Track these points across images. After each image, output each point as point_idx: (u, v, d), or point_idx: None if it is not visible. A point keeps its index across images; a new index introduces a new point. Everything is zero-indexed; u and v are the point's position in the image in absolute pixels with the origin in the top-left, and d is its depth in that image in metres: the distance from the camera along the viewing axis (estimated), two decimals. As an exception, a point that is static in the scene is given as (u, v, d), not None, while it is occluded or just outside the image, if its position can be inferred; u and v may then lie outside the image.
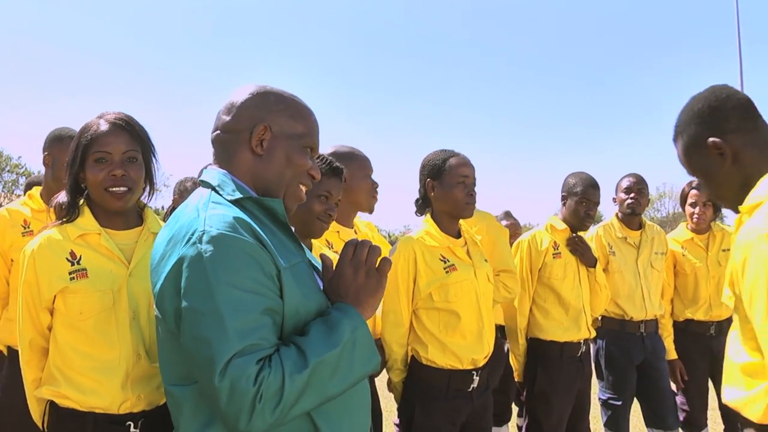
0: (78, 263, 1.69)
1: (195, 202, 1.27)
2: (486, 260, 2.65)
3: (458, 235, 2.59)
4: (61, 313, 1.69)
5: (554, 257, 3.11)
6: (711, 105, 1.52)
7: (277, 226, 1.32)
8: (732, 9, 20.28)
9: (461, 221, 2.63)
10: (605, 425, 3.44)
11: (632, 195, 3.59)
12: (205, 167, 1.48)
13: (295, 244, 1.35)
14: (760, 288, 1.28)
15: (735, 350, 1.45)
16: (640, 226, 3.68)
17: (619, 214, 3.67)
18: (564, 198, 3.24)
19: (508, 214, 4.73)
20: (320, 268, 1.42)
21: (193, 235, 1.16)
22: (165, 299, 1.18)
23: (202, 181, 1.36)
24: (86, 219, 1.75)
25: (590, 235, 3.63)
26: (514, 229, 4.54)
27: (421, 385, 2.45)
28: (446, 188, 2.51)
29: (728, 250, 3.41)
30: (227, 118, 1.35)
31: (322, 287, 1.35)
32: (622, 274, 3.50)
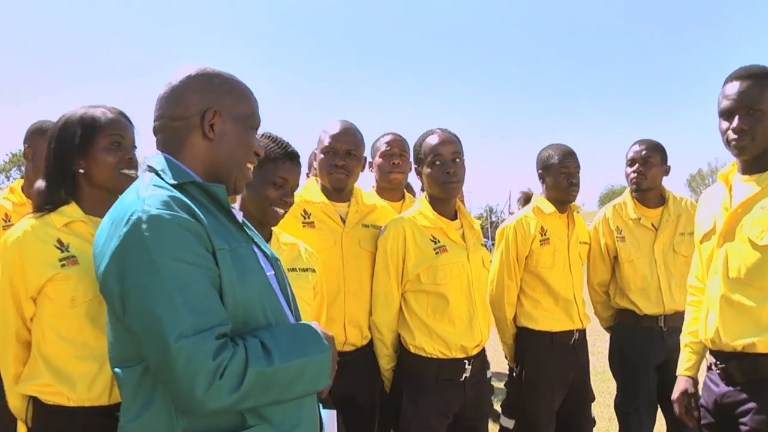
0: (67, 250, 1.70)
1: (137, 186, 1.28)
2: (483, 245, 2.51)
3: (454, 217, 2.47)
4: (51, 301, 1.68)
5: (542, 244, 2.84)
6: None
7: (220, 212, 1.33)
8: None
9: (459, 203, 2.51)
10: None
11: (636, 167, 3.07)
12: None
13: (238, 230, 1.36)
14: None
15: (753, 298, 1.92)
16: (663, 201, 3.13)
17: (632, 192, 3.16)
18: (542, 175, 2.96)
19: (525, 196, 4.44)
20: (275, 256, 1.48)
21: (132, 215, 1.17)
22: (109, 280, 1.19)
23: (148, 166, 1.36)
24: (71, 207, 1.76)
25: (597, 219, 3.25)
26: None
27: (410, 374, 2.36)
28: (427, 170, 2.39)
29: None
30: (174, 105, 1.35)
31: (271, 273, 1.40)
32: (633, 264, 3.04)
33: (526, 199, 4.30)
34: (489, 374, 4.84)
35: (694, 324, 2.26)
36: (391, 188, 2.93)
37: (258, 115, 1.43)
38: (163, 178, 1.28)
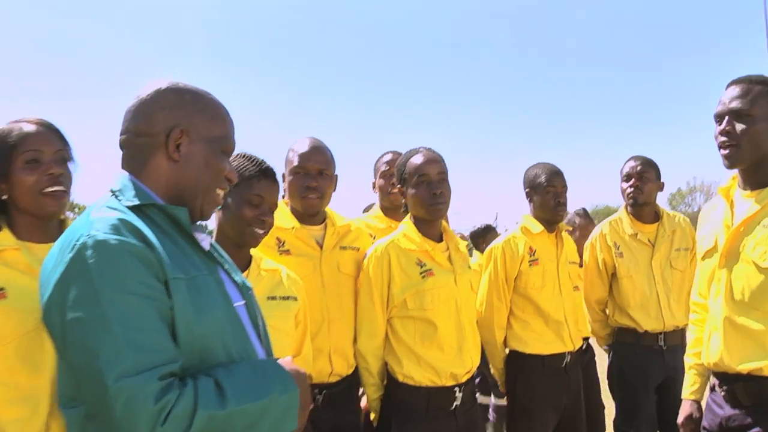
0: None
1: (90, 208, 1.19)
2: (470, 267, 2.44)
3: (440, 239, 2.39)
4: None
5: (531, 264, 2.78)
6: None
7: (182, 237, 1.23)
8: (759, 4, 19.47)
9: (444, 224, 2.44)
10: None
11: (632, 182, 3.08)
12: None
13: (202, 257, 1.26)
14: None
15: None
16: (657, 217, 3.15)
17: (628, 208, 3.17)
18: (529, 194, 2.92)
19: (583, 213, 4.23)
20: (246, 285, 1.36)
21: (78, 240, 1.08)
22: (52, 312, 1.09)
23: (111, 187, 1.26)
24: (3, 234, 1.59)
25: (594, 236, 3.23)
26: (588, 231, 3.82)
27: (398, 403, 2.25)
28: (411, 191, 2.31)
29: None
30: (139, 120, 1.25)
31: (240, 304, 1.30)
32: (632, 279, 3.03)
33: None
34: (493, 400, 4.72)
35: (697, 345, 2.20)
36: (395, 208, 2.85)
37: (232, 138, 1.33)
38: (119, 199, 1.19)
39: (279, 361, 1.25)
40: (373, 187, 3.00)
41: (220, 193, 1.32)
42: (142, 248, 1.09)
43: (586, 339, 3.31)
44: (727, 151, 1.92)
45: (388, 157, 2.88)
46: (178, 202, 1.24)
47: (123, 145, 1.27)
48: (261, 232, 1.88)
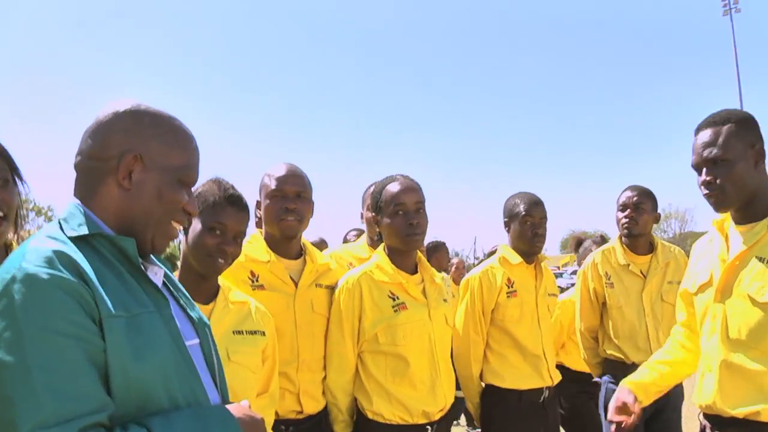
0: None
1: (32, 236, 1.11)
2: (445, 300, 2.36)
3: (414, 271, 2.30)
4: None
5: (508, 296, 2.71)
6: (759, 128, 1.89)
7: (130, 270, 1.14)
8: (729, 35, 20.18)
9: (420, 255, 2.36)
10: None
11: (628, 212, 3.03)
12: None
13: (151, 292, 1.16)
14: None
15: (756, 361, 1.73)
16: (652, 248, 3.11)
17: (623, 238, 3.11)
18: (507, 224, 2.86)
19: (600, 241, 4.10)
20: (203, 322, 1.27)
21: (8, 273, 1.00)
22: None
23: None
24: None
25: (586, 264, 3.19)
26: None
27: None
28: (387, 220, 2.22)
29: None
30: (94, 143, 1.16)
31: (194, 342, 1.22)
32: (621, 310, 2.99)
33: (578, 243, 4.11)
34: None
35: (668, 355, 2.13)
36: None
37: (194, 168, 1.23)
38: (63, 228, 1.11)
39: (230, 407, 1.15)
40: (361, 218, 2.95)
41: (177, 225, 1.23)
42: (75, 284, 1.00)
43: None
44: (713, 199, 1.87)
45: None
46: (127, 232, 1.15)
47: (76, 168, 1.19)
48: (221, 262, 1.78)
